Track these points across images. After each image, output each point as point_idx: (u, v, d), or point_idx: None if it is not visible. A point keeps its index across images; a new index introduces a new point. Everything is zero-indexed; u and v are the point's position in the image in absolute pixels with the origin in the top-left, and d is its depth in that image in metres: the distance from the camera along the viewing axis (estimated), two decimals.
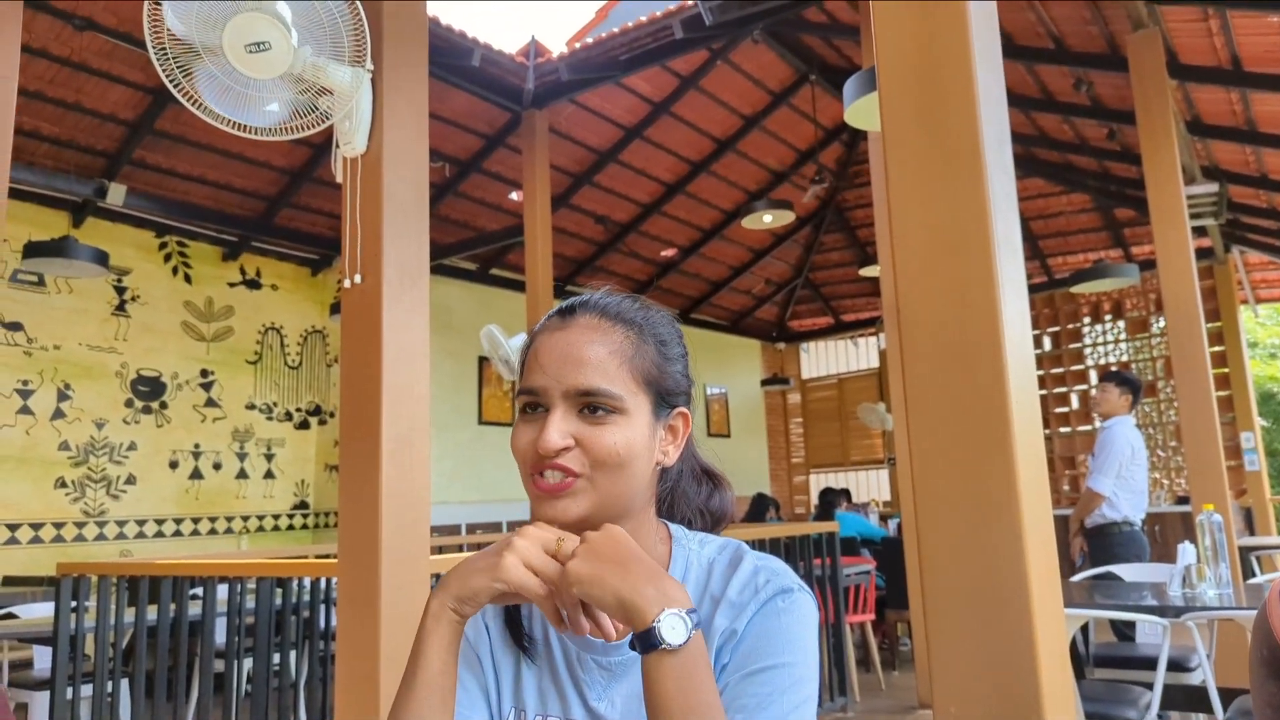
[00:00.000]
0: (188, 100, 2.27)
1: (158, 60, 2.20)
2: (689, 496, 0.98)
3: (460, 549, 5.62)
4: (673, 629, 0.73)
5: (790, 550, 4.40)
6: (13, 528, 5.62)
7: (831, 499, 6.80)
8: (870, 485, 11.43)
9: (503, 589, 0.78)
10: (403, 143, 2.32)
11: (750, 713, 0.77)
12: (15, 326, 5.75)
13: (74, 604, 3.39)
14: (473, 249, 7.36)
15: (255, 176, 6.40)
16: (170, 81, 2.23)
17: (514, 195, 7.34)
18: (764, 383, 11.67)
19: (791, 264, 10.52)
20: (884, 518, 8.22)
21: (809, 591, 0.86)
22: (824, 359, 12.18)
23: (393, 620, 2.06)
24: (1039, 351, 9.87)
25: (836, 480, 11.31)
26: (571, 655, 0.89)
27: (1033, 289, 9.86)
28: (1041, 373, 9.80)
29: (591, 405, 0.83)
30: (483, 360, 7.84)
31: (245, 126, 2.22)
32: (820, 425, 11.96)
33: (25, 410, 5.75)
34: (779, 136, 7.89)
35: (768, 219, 6.47)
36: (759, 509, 7.49)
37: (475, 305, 8.06)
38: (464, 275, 8.00)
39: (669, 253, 9.19)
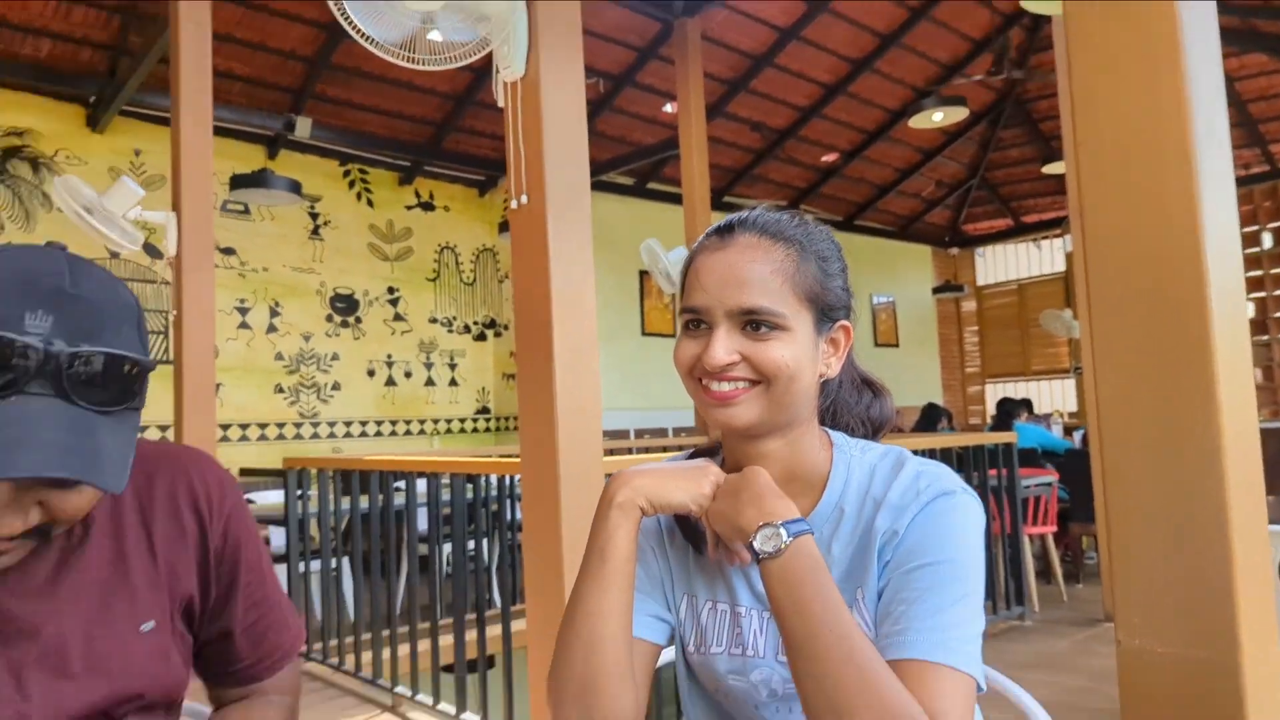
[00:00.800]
0: (359, 35, 2.43)
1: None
2: (850, 406, 1.03)
3: (630, 452, 5.89)
4: (766, 539, 0.82)
5: (964, 460, 4.32)
6: (244, 426, 6.42)
7: (1010, 409, 6.54)
8: (1054, 396, 10.86)
9: (695, 509, 0.89)
10: (559, 64, 2.39)
11: (910, 603, 0.81)
12: (230, 251, 6.41)
13: (299, 492, 3.87)
14: (629, 164, 7.42)
15: (423, 103, 6.69)
16: (340, 15, 2.39)
17: (668, 107, 7.30)
18: (935, 290, 11.22)
19: (965, 163, 9.91)
20: (1068, 430, 7.84)
21: (973, 494, 0.88)
22: (1002, 263, 11.52)
23: (571, 514, 2.25)
24: (1259, 250, 8.92)
25: (1016, 391, 10.82)
26: (738, 545, 0.94)
27: (1252, 179, 8.85)
28: (1260, 273, 8.88)
29: (755, 322, 0.87)
30: (643, 274, 7.97)
31: (412, 56, 2.35)
32: (997, 333, 11.41)
33: (244, 325, 6.45)
34: (949, 26, 7.35)
35: (938, 117, 6.14)
36: (929, 419, 7.32)
37: (634, 220, 8.17)
38: (621, 190, 8.10)
39: (830, 157, 8.89)
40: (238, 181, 5.19)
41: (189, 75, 3.85)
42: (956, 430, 8.74)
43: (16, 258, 0.73)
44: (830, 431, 0.97)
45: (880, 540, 0.87)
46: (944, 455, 4.21)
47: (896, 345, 10.79)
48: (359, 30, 2.26)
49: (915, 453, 0.95)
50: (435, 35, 2.49)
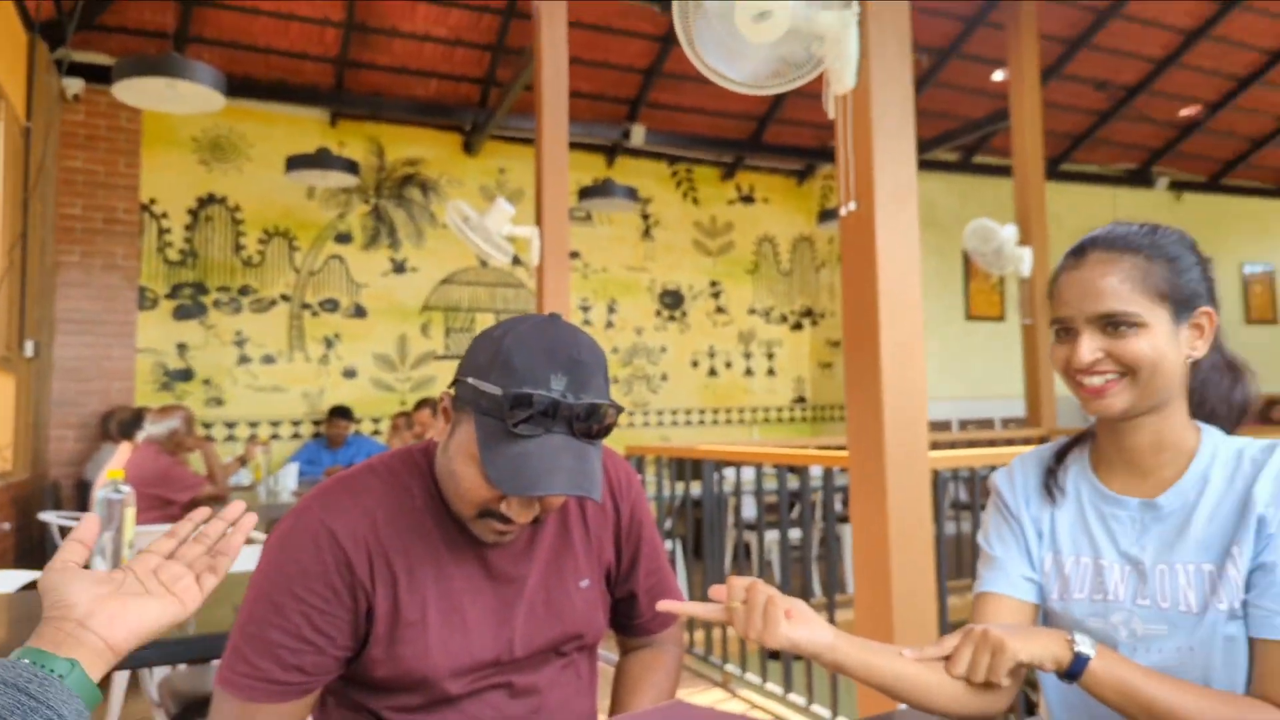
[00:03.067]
0: (699, 62, 2.69)
1: (679, 24, 2.63)
2: (1215, 385, 1.11)
3: (953, 445, 5.74)
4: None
5: None
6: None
7: None
8: None
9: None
10: (888, 74, 2.47)
11: None
12: (575, 255, 7.18)
13: (640, 478, 4.31)
14: (954, 140, 7.14)
15: (745, 99, 6.96)
16: (686, 42, 2.66)
17: (997, 75, 6.90)
18: None
19: None
20: None
21: None
22: None
23: (898, 507, 2.34)
24: None
25: None
26: (1101, 506, 1.09)
27: None
28: None
29: (1113, 323, 1.02)
30: (967, 255, 7.64)
31: (752, 85, 2.56)
32: None
33: (587, 322, 7.21)
34: None
35: None
36: None
37: (957, 198, 7.84)
38: (945, 167, 7.81)
39: (1190, 111, 7.84)
40: (585, 192, 5.83)
41: (550, 102, 4.42)
42: None
43: (541, 333, 1.02)
44: (1202, 424, 1.09)
45: (1261, 509, 0.98)
46: None
47: (1275, 322, 9.26)
48: (715, 71, 2.51)
49: None
50: (768, 67, 2.66)
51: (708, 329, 7.69)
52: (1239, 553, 0.98)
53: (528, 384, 0.97)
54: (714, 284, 7.75)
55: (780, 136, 7.50)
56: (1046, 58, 6.63)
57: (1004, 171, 7.21)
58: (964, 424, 7.36)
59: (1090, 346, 1.02)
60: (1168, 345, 1.02)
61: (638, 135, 6.81)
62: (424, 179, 6.77)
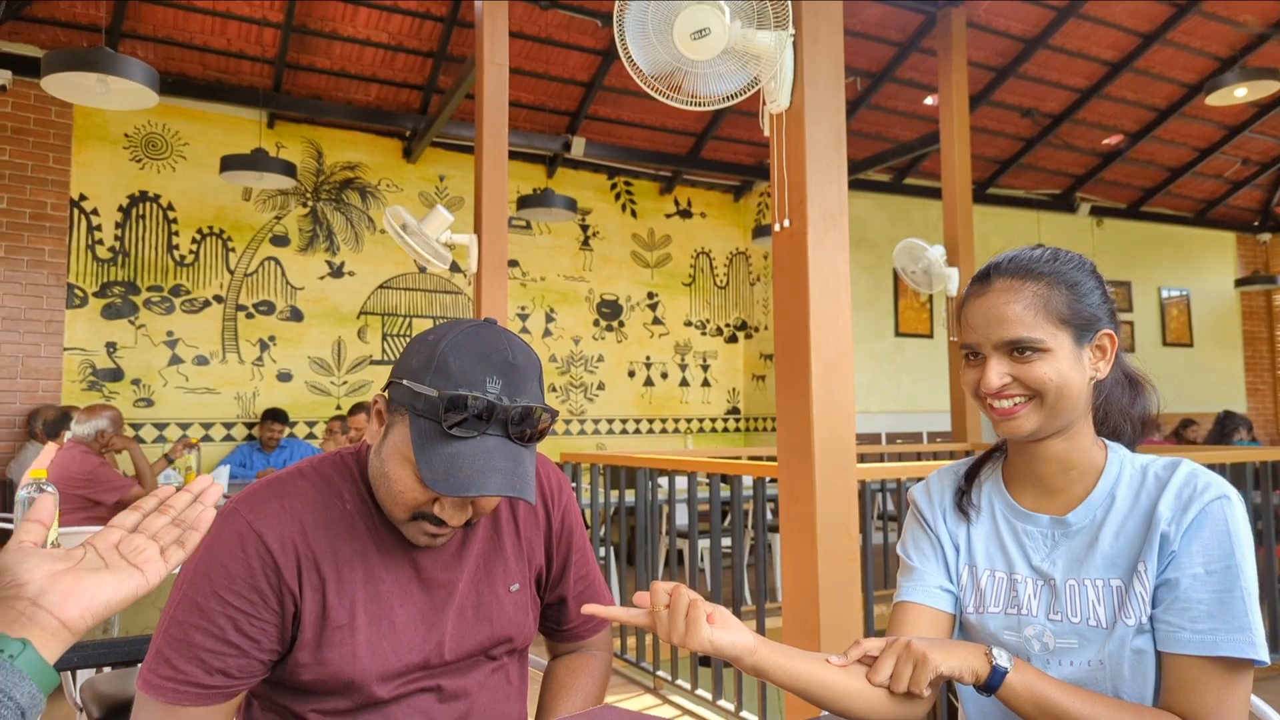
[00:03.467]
0: (638, 77, 2.74)
1: (620, 43, 2.69)
2: (1117, 401, 1.16)
3: (881, 458, 5.89)
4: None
5: (1261, 477, 3.94)
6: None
7: None
8: None
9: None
10: (821, 96, 2.55)
11: (1211, 605, 0.97)
12: (513, 263, 7.18)
13: (573, 485, 4.34)
14: (886, 161, 7.34)
15: (684, 115, 7.06)
16: (626, 59, 2.71)
17: (929, 100, 7.13)
18: (1240, 282, 9.95)
19: None
20: None
21: (1240, 497, 1.04)
22: None
23: (826, 517, 2.42)
24: None
25: None
26: (1014, 522, 1.14)
27: None
28: None
29: (1018, 348, 1.05)
30: (898, 273, 7.85)
31: (693, 98, 2.62)
32: None
33: (524, 330, 7.20)
34: None
35: (1241, 93, 5.52)
36: (1224, 430, 6.60)
37: (889, 217, 8.07)
38: (877, 188, 8.02)
39: (1113, 140, 8.21)
40: (524, 202, 5.84)
41: (490, 111, 4.43)
42: (1259, 444, 7.77)
43: (477, 337, 1.04)
44: (1109, 441, 1.13)
45: (1163, 526, 1.02)
46: (1236, 471, 3.87)
47: (1190, 344, 9.73)
48: (655, 87, 2.56)
49: (1207, 467, 1.09)
50: (721, 86, 2.72)
51: (644, 339, 7.75)
52: (1145, 569, 1.02)
53: (463, 387, 0.99)
54: (651, 295, 7.82)
55: (718, 153, 7.62)
56: (976, 84, 6.88)
57: (934, 193, 7.45)
58: (892, 437, 7.56)
59: (998, 371, 1.06)
60: (1071, 368, 1.05)
61: (578, 147, 6.85)
62: (363, 184, 6.70)
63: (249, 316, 6.24)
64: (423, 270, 6.79)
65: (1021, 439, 1.09)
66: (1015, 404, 1.06)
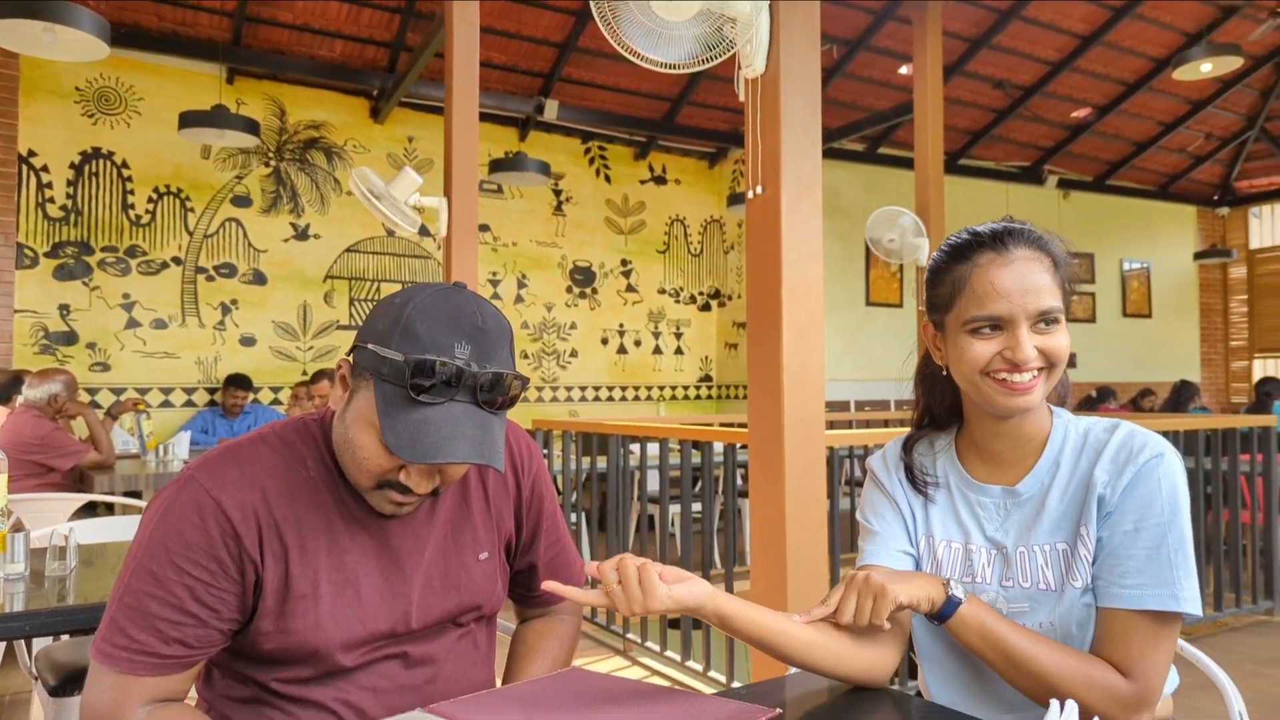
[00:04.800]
0: (613, 38, 2.69)
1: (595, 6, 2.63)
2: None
3: (849, 425, 5.94)
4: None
5: (1212, 444, 4.04)
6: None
7: (1270, 389, 5.91)
8: None
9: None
10: (797, 62, 2.52)
11: (1144, 560, 1.01)
12: (485, 228, 7.09)
13: (544, 452, 4.33)
14: (860, 130, 7.32)
15: (659, 79, 6.98)
16: (602, 21, 2.66)
17: (903, 69, 7.11)
18: (1198, 255, 10.13)
19: (1243, 113, 8.81)
20: None
21: (1177, 453, 1.07)
22: None
23: (795, 482, 2.43)
24: None
25: None
26: (969, 494, 1.16)
27: None
28: None
29: (1046, 320, 1.05)
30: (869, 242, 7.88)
31: (666, 64, 2.58)
32: (1271, 303, 10.12)
33: (496, 296, 7.14)
34: None
35: (1206, 68, 5.57)
36: (1179, 398, 6.75)
37: (862, 187, 8.07)
38: (851, 157, 8.01)
39: (1082, 113, 8.25)
40: (496, 165, 5.75)
41: (461, 71, 4.33)
42: (1210, 411, 7.96)
43: (445, 300, 1.01)
44: (1054, 407, 1.15)
45: (1100, 489, 1.05)
46: (1189, 439, 3.96)
47: (1149, 315, 9.90)
48: (617, 36, 2.51)
49: (1162, 434, 1.10)
50: (689, 46, 2.68)
51: (618, 307, 7.72)
52: (1086, 532, 1.05)
53: (431, 351, 0.96)
54: (625, 262, 7.78)
55: (693, 119, 7.55)
56: (950, 54, 6.86)
57: (906, 163, 7.45)
58: (860, 405, 7.63)
59: (1030, 342, 1.04)
60: (1069, 338, 1.08)
61: (551, 110, 6.75)
62: (329, 144, 6.55)
63: (209, 279, 6.11)
64: (391, 234, 6.68)
65: (1029, 410, 1.08)
66: (1033, 377, 1.05)
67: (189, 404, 5.99)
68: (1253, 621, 4.09)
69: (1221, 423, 4.12)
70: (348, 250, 6.58)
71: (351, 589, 1.06)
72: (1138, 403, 7.79)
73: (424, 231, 6.59)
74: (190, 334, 6.02)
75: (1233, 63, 5.48)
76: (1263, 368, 10.08)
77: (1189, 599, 1.00)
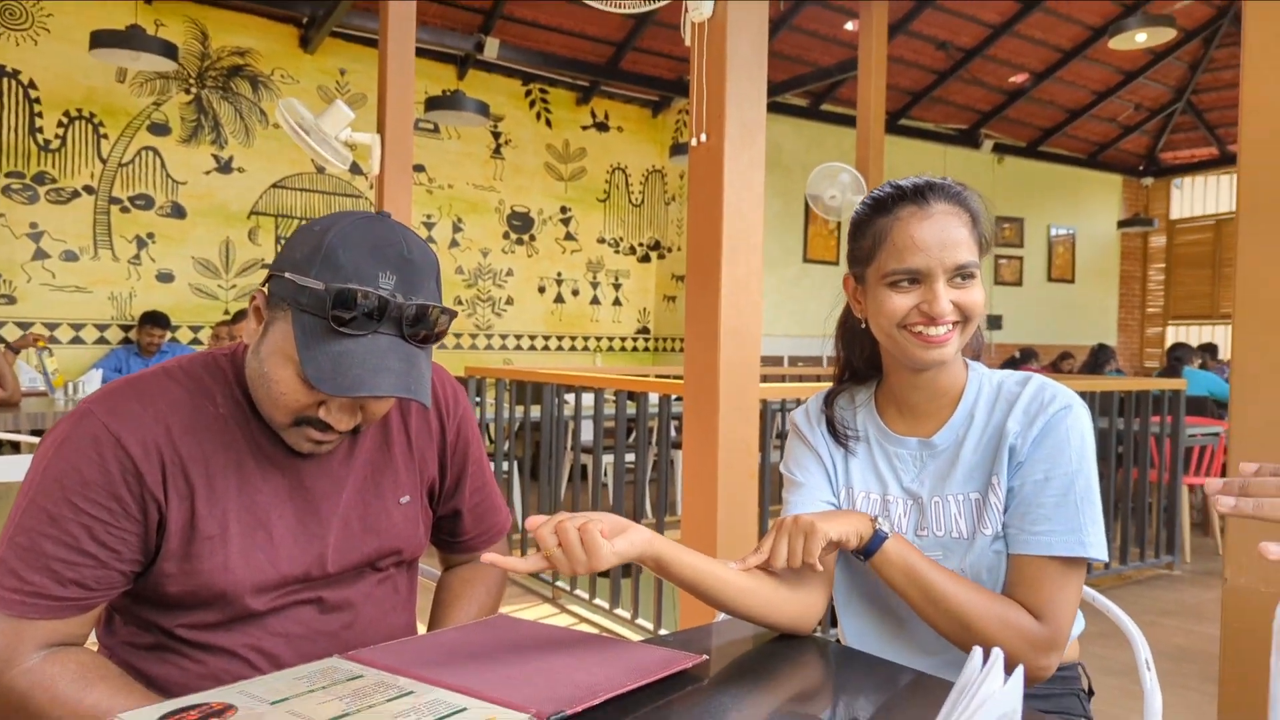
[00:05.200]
0: None
1: None
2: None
3: (783, 379, 6.01)
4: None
5: (1125, 405, 4.20)
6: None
7: (1180, 355, 6.18)
8: None
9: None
10: (744, 9, 2.47)
11: (1051, 508, 1.04)
12: (420, 168, 6.88)
13: (477, 399, 4.27)
14: (805, 85, 7.29)
15: (605, 22, 6.82)
16: None
17: (849, 25, 7.08)
18: (1122, 224, 10.46)
19: (1171, 85, 9.05)
20: None
21: (1084, 404, 1.10)
22: (1200, 197, 10.55)
23: (728, 433, 2.44)
24: None
25: (1203, 335, 10.07)
26: (887, 446, 1.18)
27: None
28: None
29: (963, 274, 1.07)
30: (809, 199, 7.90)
31: (612, 5, 2.50)
32: (1187, 272, 10.55)
33: (430, 240, 6.96)
34: None
35: (1141, 38, 5.66)
36: (1097, 361, 7.01)
37: (805, 142, 8.06)
38: (794, 112, 7.99)
39: (1019, 78, 8.37)
40: (432, 103, 5.56)
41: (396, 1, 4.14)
42: (1125, 374, 8.29)
43: (369, 229, 0.96)
44: (969, 361, 1.18)
45: (1012, 439, 1.08)
46: (1105, 399, 4.11)
47: (1072, 281, 10.21)
48: None
49: (1079, 395, 1.13)
50: None
51: (556, 255, 7.61)
52: (998, 481, 1.08)
53: (353, 280, 0.91)
54: (564, 210, 7.66)
55: (638, 65, 7.41)
56: (895, 13, 6.85)
57: (849, 121, 7.45)
58: (794, 360, 7.72)
59: (948, 297, 1.05)
60: (984, 293, 1.10)
61: (491, 48, 6.53)
62: (255, 73, 6.24)
63: (124, 210, 5.81)
64: (321, 170, 6.44)
65: (945, 363, 1.10)
66: (948, 330, 1.07)
67: (102, 341, 5.73)
68: (1154, 575, 4.32)
69: (1135, 385, 4.28)
70: (274, 186, 6.32)
71: (263, 530, 1.01)
72: (1057, 365, 8.07)
73: (355, 169, 6.38)
74: (103, 267, 5.73)
75: (1166, 34, 5.59)
76: (1175, 334, 10.53)
77: (1095, 544, 1.03)
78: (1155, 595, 3.99)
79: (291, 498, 1.04)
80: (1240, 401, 1.29)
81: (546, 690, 0.83)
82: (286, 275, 0.94)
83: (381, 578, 1.13)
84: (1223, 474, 5.05)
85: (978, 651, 0.66)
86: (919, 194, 1.08)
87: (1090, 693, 1.22)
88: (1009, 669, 0.65)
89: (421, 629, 1.19)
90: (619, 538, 0.97)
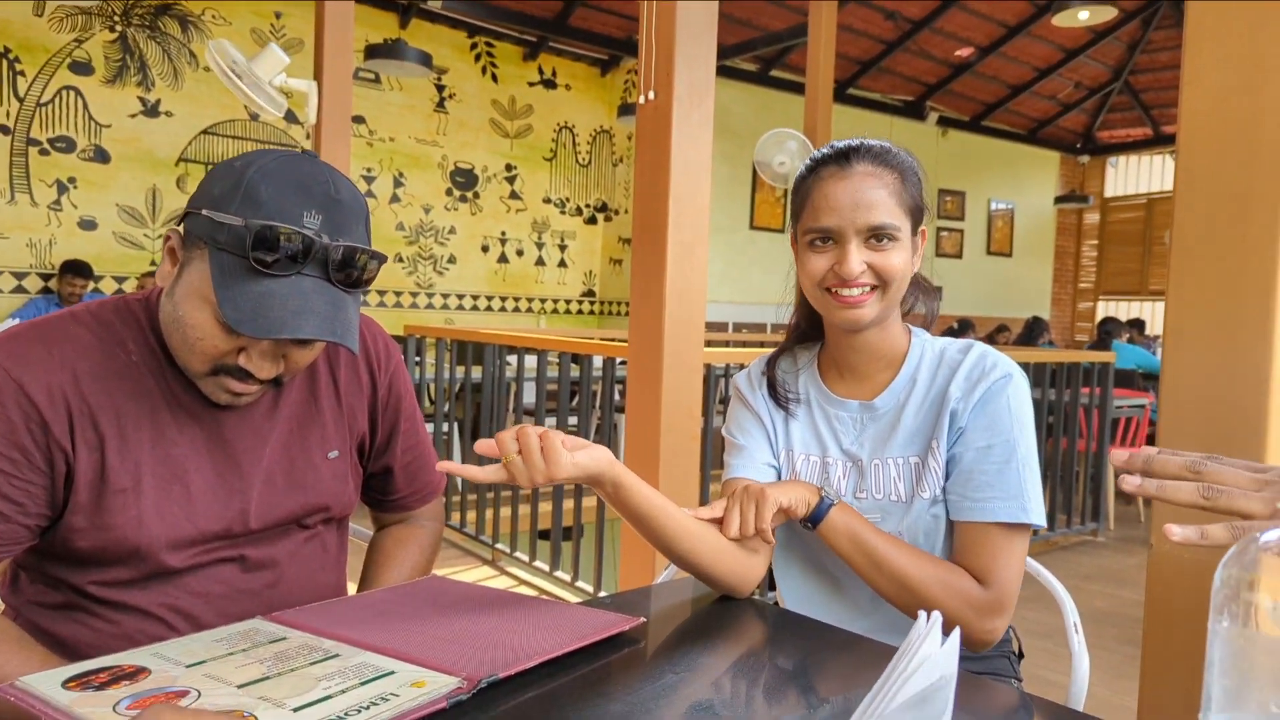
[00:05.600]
0: None
1: None
2: (910, 301, 1.20)
3: (727, 344, 6.02)
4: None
5: (1056, 377, 4.31)
6: (365, 292, 6.83)
7: (1110, 329, 6.38)
8: None
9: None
10: None
11: (992, 474, 1.05)
12: (359, 120, 6.66)
13: (417, 358, 4.18)
14: (754, 49, 7.23)
15: None
16: None
17: None
18: (1058, 200, 10.69)
19: (1110, 65, 9.22)
20: None
21: (1023, 373, 1.11)
22: (1134, 175, 10.84)
23: (671, 397, 2.43)
24: None
25: (1131, 310, 10.40)
26: (827, 408, 1.18)
27: None
28: None
29: (878, 236, 1.06)
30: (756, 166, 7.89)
31: None
32: (1118, 249, 10.87)
33: (370, 194, 6.77)
34: None
35: (1083, 16, 5.76)
36: (1031, 333, 7.19)
37: (754, 108, 8.02)
38: (744, 77, 7.93)
39: (965, 52, 8.43)
40: (372, 51, 5.36)
41: None
42: (1057, 346, 8.53)
43: (294, 166, 0.90)
44: (913, 327, 1.18)
45: (953, 404, 1.08)
46: (1037, 370, 4.22)
47: (1009, 255, 10.43)
48: None
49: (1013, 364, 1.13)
50: None
51: (500, 214, 7.47)
52: (938, 446, 1.09)
53: (276, 218, 0.86)
54: (510, 168, 7.50)
55: (587, 21, 7.25)
56: None
57: (797, 88, 7.42)
58: (739, 327, 7.75)
59: (858, 259, 1.05)
60: (908, 259, 1.09)
61: None
62: (183, 11, 5.94)
63: (43, 153, 5.51)
64: (255, 118, 6.18)
65: (861, 328, 1.10)
66: (863, 293, 1.06)
67: (19, 290, 5.45)
68: (1079, 541, 4.48)
69: (1066, 357, 4.40)
70: (205, 132, 6.06)
71: (180, 484, 0.96)
72: (993, 337, 8.25)
73: (291, 118, 6.14)
74: (20, 213, 5.44)
75: (1108, 12, 5.68)
76: (1106, 309, 10.86)
77: (1036, 511, 1.05)
78: (1080, 560, 4.14)
79: (210, 451, 0.99)
80: (1171, 374, 1.31)
81: (478, 653, 0.81)
82: (203, 212, 0.88)
83: (309, 536, 1.09)
84: (1149, 444, 5.24)
85: (923, 616, 0.65)
86: (843, 156, 1.09)
87: (1020, 655, 1.25)
88: (950, 631, 0.64)
89: (352, 590, 1.16)
90: (580, 451, 0.94)
